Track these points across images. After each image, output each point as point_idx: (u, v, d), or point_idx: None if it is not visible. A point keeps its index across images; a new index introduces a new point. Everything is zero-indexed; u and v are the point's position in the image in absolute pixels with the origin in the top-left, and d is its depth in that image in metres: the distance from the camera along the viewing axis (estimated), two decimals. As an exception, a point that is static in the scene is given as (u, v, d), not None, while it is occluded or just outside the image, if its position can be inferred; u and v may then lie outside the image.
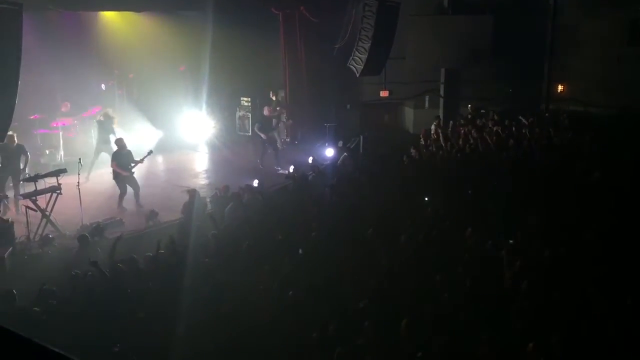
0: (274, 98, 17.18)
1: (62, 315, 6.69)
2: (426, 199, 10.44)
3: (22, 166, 12.03)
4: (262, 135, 15.80)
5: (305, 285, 7.01)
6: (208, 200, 11.98)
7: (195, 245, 8.79)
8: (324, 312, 6.46)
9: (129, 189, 12.27)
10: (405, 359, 5.77)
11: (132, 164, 12.21)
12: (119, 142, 12.50)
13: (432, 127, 18.00)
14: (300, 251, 8.27)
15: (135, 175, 12.32)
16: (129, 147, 12.54)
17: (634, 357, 5.66)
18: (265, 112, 16.47)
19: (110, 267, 7.90)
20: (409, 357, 5.71)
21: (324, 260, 7.80)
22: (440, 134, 16.27)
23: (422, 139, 16.37)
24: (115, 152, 12.47)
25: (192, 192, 11.11)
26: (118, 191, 12.33)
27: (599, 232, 8.03)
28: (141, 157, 12.28)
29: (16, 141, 11.87)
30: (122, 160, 12.17)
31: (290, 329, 6.22)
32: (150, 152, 12.51)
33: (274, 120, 16.60)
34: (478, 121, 17.46)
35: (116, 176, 12.15)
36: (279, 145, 16.33)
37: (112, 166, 12.21)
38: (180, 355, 6.03)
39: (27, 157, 12.15)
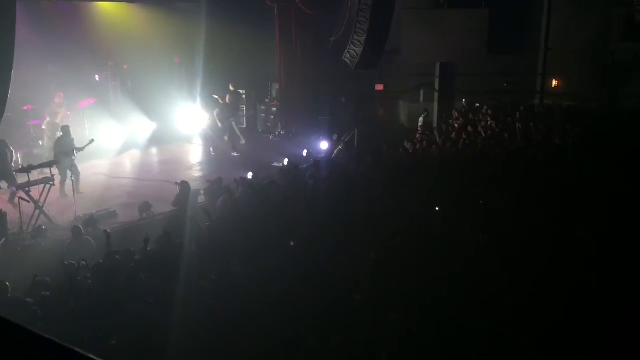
0: (232, 89, 17.24)
1: (55, 306, 6.69)
2: (419, 192, 10.47)
3: (12, 161, 11.76)
4: (219, 123, 16.20)
5: (296, 277, 7.04)
6: (202, 192, 11.97)
7: (189, 237, 8.80)
8: (317, 303, 6.49)
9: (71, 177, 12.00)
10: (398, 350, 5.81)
11: (75, 151, 12.03)
12: (65, 128, 12.35)
13: (420, 119, 18.06)
14: (292, 243, 8.29)
15: (124, 167, 12.17)
16: (123, 139, 12.46)
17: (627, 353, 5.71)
18: (227, 100, 16.71)
19: (106, 258, 7.91)
20: (402, 348, 5.75)
21: (314, 252, 7.82)
22: (435, 129, 16.32)
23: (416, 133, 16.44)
24: (59, 137, 12.29)
25: (183, 185, 11.11)
26: (111, 183, 12.32)
27: (591, 228, 8.07)
28: (82, 146, 12.04)
29: None
30: (65, 147, 12.01)
31: (283, 320, 6.25)
32: (91, 141, 12.19)
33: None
34: (472, 115, 17.53)
35: (58, 162, 11.80)
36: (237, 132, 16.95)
37: (54, 150, 12.00)
38: (177, 346, 6.04)
39: (11, 153, 11.87)
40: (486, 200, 9.64)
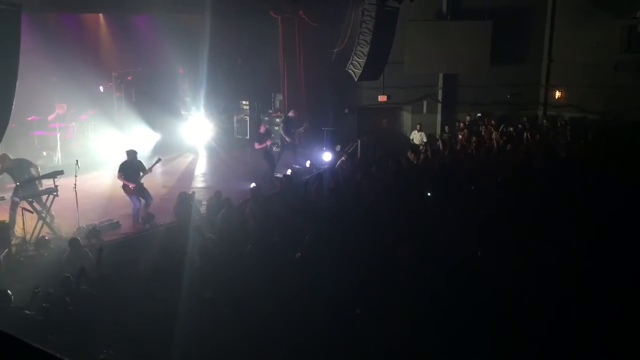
0: None
1: (55, 317, 6.66)
2: (422, 203, 10.44)
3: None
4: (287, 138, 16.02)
5: (300, 287, 7.01)
6: (204, 203, 11.96)
7: (192, 249, 8.77)
8: (322, 313, 6.46)
9: (142, 200, 11.65)
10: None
11: (141, 174, 11.59)
12: (130, 153, 11.76)
13: (414, 133, 18.14)
14: (298, 255, 8.26)
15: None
16: (125, 148, 12.35)
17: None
18: (291, 114, 16.46)
19: (98, 275, 7.85)
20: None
21: (319, 262, 7.80)
22: (440, 141, 16.31)
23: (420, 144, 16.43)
24: (123, 162, 11.69)
25: (182, 196, 11.06)
26: (114, 194, 12.26)
27: (588, 241, 8.05)
28: (149, 167, 11.69)
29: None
30: (129, 171, 11.53)
31: (288, 331, 6.22)
32: (158, 160, 11.96)
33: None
34: (476, 127, 17.54)
35: (125, 189, 11.54)
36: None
37: (118, 178, 11.58)
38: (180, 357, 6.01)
39: (35, 168, 11.30)
40: (488, 212, 9.60)
